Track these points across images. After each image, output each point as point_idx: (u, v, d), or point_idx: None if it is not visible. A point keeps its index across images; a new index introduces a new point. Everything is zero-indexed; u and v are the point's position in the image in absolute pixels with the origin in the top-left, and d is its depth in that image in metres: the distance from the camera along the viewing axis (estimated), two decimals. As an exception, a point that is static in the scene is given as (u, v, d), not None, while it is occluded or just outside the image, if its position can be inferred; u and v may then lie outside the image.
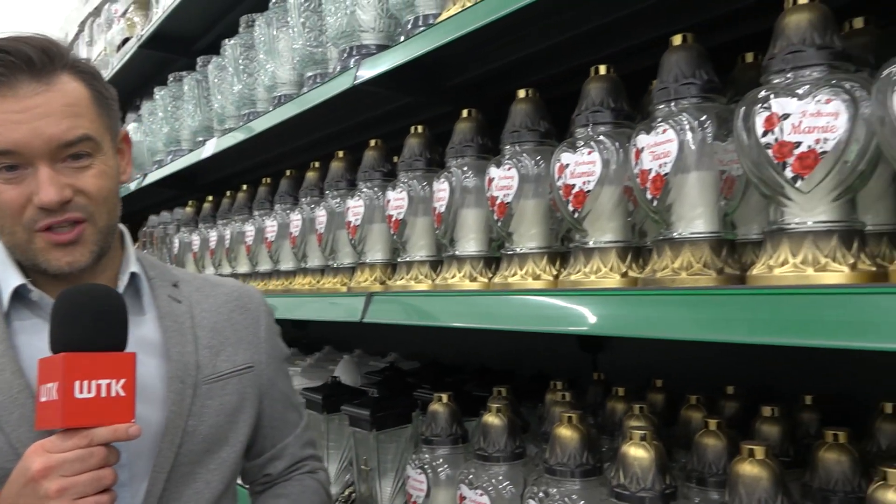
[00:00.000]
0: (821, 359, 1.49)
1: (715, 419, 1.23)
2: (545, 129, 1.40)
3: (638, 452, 1.15)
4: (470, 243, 1.53)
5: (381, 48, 1.80)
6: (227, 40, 2.67)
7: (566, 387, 1.72)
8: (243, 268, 2.54)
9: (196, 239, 2.88)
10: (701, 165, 1.08)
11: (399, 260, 1.71)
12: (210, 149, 2.63)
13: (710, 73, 1.11)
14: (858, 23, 1.09)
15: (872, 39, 1.07)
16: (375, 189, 1.82)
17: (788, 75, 0.96)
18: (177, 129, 3.20)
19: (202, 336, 1.23)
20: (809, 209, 0.93)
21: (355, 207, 1.83)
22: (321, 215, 1.98)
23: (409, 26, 1.70)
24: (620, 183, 1.22)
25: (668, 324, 1.00)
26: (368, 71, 1.68)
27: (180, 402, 1.16)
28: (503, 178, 1.38)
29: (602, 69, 1.27)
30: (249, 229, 2.44)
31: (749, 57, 1.24)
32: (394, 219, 1.69)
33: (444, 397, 1.59)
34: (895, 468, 0.92)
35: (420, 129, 1.72)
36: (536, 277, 1.34)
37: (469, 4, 1.44)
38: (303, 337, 3.51)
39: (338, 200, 1.97)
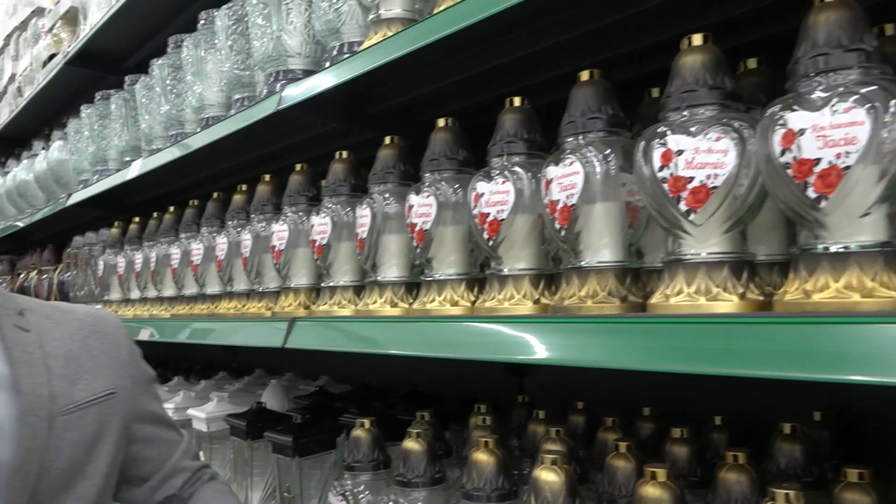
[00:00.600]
0: (731, 381, 1.55)
1: (625, 441, 1.26)
2: (464, 158, 1.43)
3: (549, 476, 1.17)
4: (392, 269, 1.54)
5: (308, 73, 1.81)
6: (155, 60, 2.64)
7: (490, 410, 1.74)
8: (169, 291, 2.50)
9: (121, 261, 2.82)
10: (606, 197, 1.12)
11: (323, 285, 1.71)
12: (136, 169, 2.58)
13: (615, 107, 1.16)
14: (752, 63, 1.16)
15: (764, 80, 1.13)
16: (300, 214, 1.82)
17: (684, 113, 1.01)
18: (104, 148, 3.13)
19: (55, 366, 1.19)
20: (703, 241, 0.98)
21: (280, 232, 1.82)
22: (247, 239, 1.97)
23: (335, 52, 1.72)
24: (534, 212, 1.25)
25: (575, 350, 1.04)
26: (293, 96, 1.68)
27: (34, 437, 1.11)
28: (422, 206, 1.40)
29: (517, 101, 1.31)
30: (175, 252, 2.40)
31: (655, 92, 1.29)
32: (317, 244, 1.69)
33: (367, 423, 1.59)
34: (783, 489, 0.96)
35: (345, 154, 1.73)
36: (454, 304, 1.36)
37: (390, 34, 1.47)
38: (233, 361, 3.45)
39: (263, 224, 1.96)
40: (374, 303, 1.52)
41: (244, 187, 2.18)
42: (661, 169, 0.98)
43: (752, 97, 1.10)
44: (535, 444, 1.61)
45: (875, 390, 1.37)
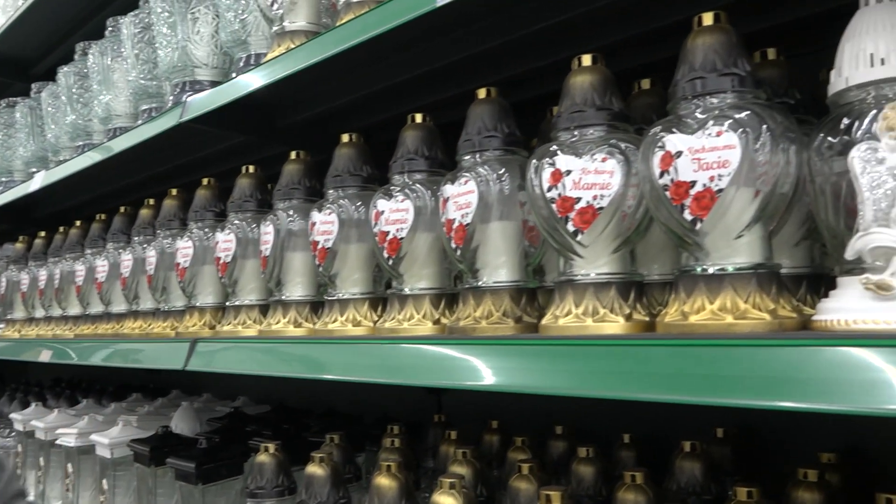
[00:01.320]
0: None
1: (527, 463, 1.26)
2: (368, 174, 1.42)
3: (447, 501, 1.16)
4: (296, 288, 1.52)
5: (215, 85, 1.77)
6: (62, 67, 2.55)
7: (403, 431, 1.72)
8: (74, 309, 2.41)
9: (25, 278, 2.70)
10: (502, 216, 1.12)
11: (228, 304, 1.67)
12: (38, 181, 2.49)
13: (512, 126, 1.16)
14: (646, 84, 1.18)
15: (658, 100, 1.15)
16: (206, 230, 1.78)
17: (575, 133, 1.02)
18: (8, 158, 3.01)
19: None
20: (592, 261, 0.99)
21: (184, 248, 1.78)
22: (152, 256, 1.91)
23: (241, 64, 1.69)
24: (434, 230, 1.25)
25: (469, 372, 1.03)
26: (196, 108, 1.65)
27: None
28: (324, 223, 1.38)
29: (418, 117, 1.30)
30: (80, 269, 2.31)
31: (556, 110, 1.31)
32: (222, 261, 1.65)
33: (271, 447, 1.55)
34: (670, 509, 0.97)
35: (251, 169, 1.70)
36: (356, 324, 1.35)
37: (293, 46, 1.45)
38: (149, 381, 3.35)
39: (169, 240, 1.91)
40: (277, 322, 1.49)
41: (151, 202, 2.12)
42: (549, 189, 0.99)
43: (646, 117, 1.12)
44: (448, 466, 1.60)
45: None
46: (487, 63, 1.42)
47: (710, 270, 0.86)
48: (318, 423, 2.15)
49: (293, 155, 1.56)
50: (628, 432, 1.51)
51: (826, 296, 0.82)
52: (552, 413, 1.70)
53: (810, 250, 1.01)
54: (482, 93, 1.18)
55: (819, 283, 0.98)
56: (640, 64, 1.27)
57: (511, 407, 1.82)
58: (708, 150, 0.84)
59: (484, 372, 0.99)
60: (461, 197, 1.12)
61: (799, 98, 1.01)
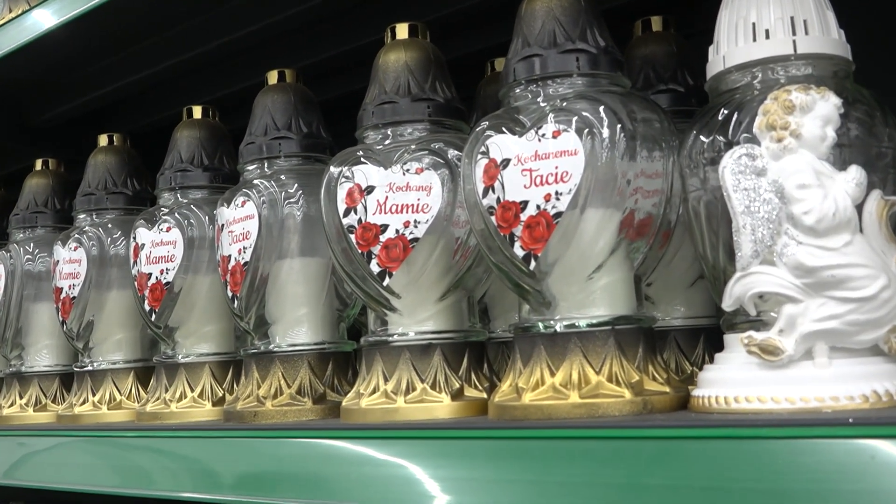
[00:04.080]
0: None
1: None
2: (134, 192, 1.33)
3: None
4: (41, 354, 1.42)
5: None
6: None
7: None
8: None
9: None
10: (300, 250, 1.05)
11: (-53, 379, 1.55)
12: None
13: (315, 123, 1.10)
14: (500, 65, 1.13)
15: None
16: (-76, 272, 1.65)
17: (388, 132, 0.95)
18: None
19: None
20: (409, 314, 0.92)
21: None
22: None
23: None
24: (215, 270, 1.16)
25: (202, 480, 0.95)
26: None
27: None
28: (69, 262, 1.28)
29: (197, 111, 1.23)
30: None
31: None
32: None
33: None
34: None
35: (-13, 184, 1.59)
36: (116, 405, 1.26)
37: (28, 7, 1.35)
38: None
39: None
40: (10, 405, 1.38)
41: None
42: (347, 213, 0.92)
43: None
44: None
45: None
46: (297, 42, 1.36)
47: (556, 327, 0.80)
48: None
49: (38, 165, 1.46)
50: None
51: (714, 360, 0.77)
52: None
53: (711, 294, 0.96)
54: (273, 77, 1.11)
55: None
56: (500, 41, 1.23)
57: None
58: (542, 159, 0.78)
59: (261, 477, 0.91)
60: (238, 224, 1.04)
61: (692, 84, 0.98)
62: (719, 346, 0.92)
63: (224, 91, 1.49)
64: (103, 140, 1.35)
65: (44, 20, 1.32)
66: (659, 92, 0.96)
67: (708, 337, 0.94)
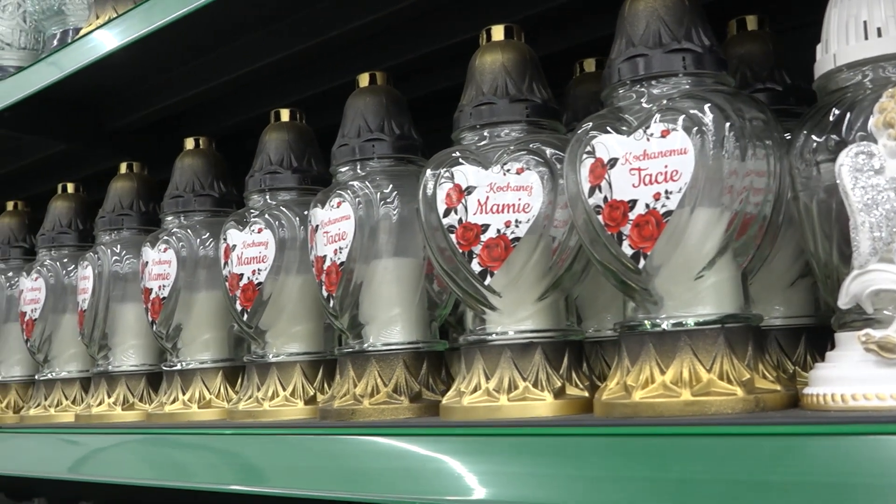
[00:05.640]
0: None
1: None
2: (221, 194, 1.36)
3: None
4: (128, 354, 1.45)
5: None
6: None
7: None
8: None
9: None
10: (394, 250, 1.07)
11: (38, 378, 1.60)
12: None
13: (406, 125, 1.12)
14: (590, 65, 1.14)
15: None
16: (10, 273, 1.72)
17: (485, 133, 0.97)
18: None
19: None
20: (509, 313, 0.94)
21: (-20, 301, 1.70)
22: (-62, 312, 1.83)
23: (56, 42, 1.63)
24: (309, 271, 1.19)
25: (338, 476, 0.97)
26: (-10, 104, 1.58)
27: None
28: (158, 263, 1.31)
29: (284, 115, 1.26)
30: None
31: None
32: (28, 317, 1.58)
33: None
34: None
35: (70, 188, 1.64)
36: (206, 404, 1.29)
37: (116, 15, 1.39)
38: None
39: (-39, 289, 1.82)
40: (99, 404, 1.42)
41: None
42: (447, 213, 0.94)
43: (589, 110, 1.07)
44: None
45: None
46: (380, 43, 1.38)
47: (663, 326, 0.81)
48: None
49: (123, 168, 1.50)
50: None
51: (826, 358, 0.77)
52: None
53: (812, 293, 0.97)
54: (364, 79, 1.13)
55: (825, 338, 0.94)
56: (585, 40, 1.24)
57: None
58: (651, 158, 0.79)
59: (357, 474, 0.94)
60: (333, 225, 1.06)
61: (790, 83, 0.98)
62: (820, 346, 0.93)
63: (301, 95, 1.52)
64: (189, 143, 1.38)
65: (128, 29, 1.36)
66: (756, 91, 0.97)
67: (809, 337, 0.94)
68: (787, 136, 0.82)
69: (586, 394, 0.91)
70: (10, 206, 1.78)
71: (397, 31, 1.36)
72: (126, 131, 1.75)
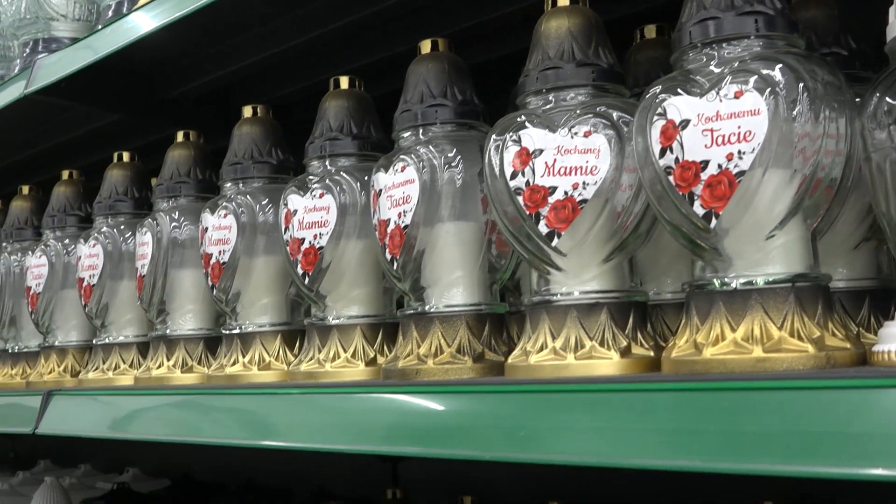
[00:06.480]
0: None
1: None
2: (279, 161, 1.38)
3: None
4: (186, 318, 1.48)
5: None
6: None
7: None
8: None
9: None
10: (456, 214, 1.09)
11: (96, 342, 1.63)
12: None
13: (468, 91, 1.13)
14: (650, 31, 1.15)
15: (668, 52, 1.12)
16: (67, 241, 1.75)
17: (550, 98, 0.98)
18: None
19: None
20: (574, 275, 0.95)
21: (37, 267, 1.74)
22: (-6, 278, 1.88)
23: (111, 13, 1.65)
24: (368, 236, 1.21)
25: (408, 432, 0.99)
26: (46, 74, 1.61)
27: None
28: (219, 229, 1.34)
29: (344, 82, 1.27)
30: None
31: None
32: (86, 283, 1.61)
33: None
34: None
35: (125, 157, 1.67)
36: (265, 366, 1.31)
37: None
38: (12, 447, 3.29)
39: (17, 256, 1.87)
40: (158, 367, 1.45)
41: (-4, 204, 2.09)
42: (514, 176, 0.95)
43: (651, 78, 1.08)
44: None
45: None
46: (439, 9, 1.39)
47: (733, 285, 0.82)
48: (233, 501, 2.12)
49: (179, 137, 1.53)
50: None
51: (893, 317, 0.78)
52: (541, 486, 1.67)
53: (875, 255, 0.98)
54: (426, 46, 1.14)
55: (888, 300, 0.95)
56: (645, 6, 1.25)
57: (490, 479, 1.79)
58: (724, 118, 0.80)
59: (426, 430, 0.96)
60: (397, 189, 1.08)
61: (855, 48, 0.99)
62: (883, 308, 0.94)
63: (369, 59, 1.53)
64: (247, 111, 1.40)
65: (183, 1, 1.37)
66: (822, 55, 0.97)
67: (872, 299, 0.95)
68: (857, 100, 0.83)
69: (652, 353, 0.93)
70: (65, 175, 1.81)
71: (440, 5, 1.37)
72: (179, 101, 1.77)
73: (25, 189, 1.96)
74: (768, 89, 0.80)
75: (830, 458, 0.67)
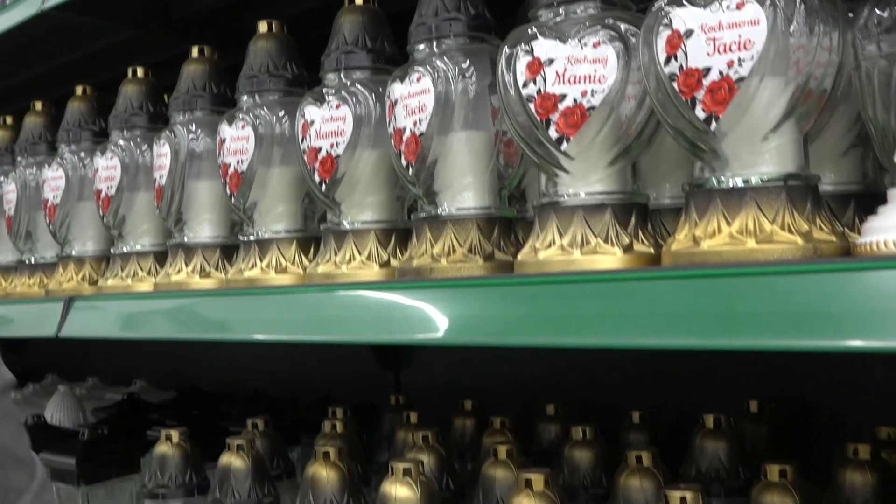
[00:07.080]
0: (657, 365, 1.63)
1: (505, 445, 1.31)
2: (294, 75, 1.43)
3: (400, 492, 1.20)
4: (203, 226, 1.54)
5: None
6: None
7: (349, 414, 1.76)
8: None
9: None
10: (468, 123, 1.15)
11: (114, 251, 1.69)
12: None
13: (480, 6, 1.18)
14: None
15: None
16: (82, 154, 1.79)
17: (560, 10, 1.03)
18: None
19: None
20: (581, 177, 1.02)
21: (54, 180, 1.79)
22: (11, 191, 1.92)
23: (123, -72, 1.68)
24: (381, 145, 1.26)
25: (424, 322, 1.06)
26: (62, -11, 1.63)
27: None
28: (237, 140, 1.39)
29: (358, -3, 1.31)
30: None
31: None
32: (103, 194, 1.66)
33: (175, 435, 1.58)
34: (679, 490, 1.02)
35: (140, 72, 1.70)
36: (281, 270, 1.37)
37: None
38: (19, 362, 3.36)
39: (33, 170, 1.91)
40: (178, 273, 1.51)
41: (9, 120, 2.12)
42: (525, 84, 1.01)
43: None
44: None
45: (828, 370, 1.46)
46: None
47: (730, 183, 0.89)
48: (240, 410, 2.18)
49: (195, 52, 1.56)
50: (639, 408, 1.56)
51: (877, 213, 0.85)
52: (538, 390, 1.75)
53: (861, 162, 1.04)
54: (439, -41, 1.19)
55: (872, 203, 1.02)
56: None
57: (490, 384, 1.87)
58: (726, 28, 0.86)
59: (441, 322, 1.03)
60: (413, 99, 1.14)
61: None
62: (867, 210, 1.00)
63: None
64: (263, 27, 1.44)
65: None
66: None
67: (857, 201, 1.02)
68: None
69: (652, 251, 0.99)
70: (78, 90, 1.85)
71: None
72: (191, 18, 1.80)
73: (38, 105, 2.00)
74: (768, 1, 0.85)
75: (815, 333, 0.75)
